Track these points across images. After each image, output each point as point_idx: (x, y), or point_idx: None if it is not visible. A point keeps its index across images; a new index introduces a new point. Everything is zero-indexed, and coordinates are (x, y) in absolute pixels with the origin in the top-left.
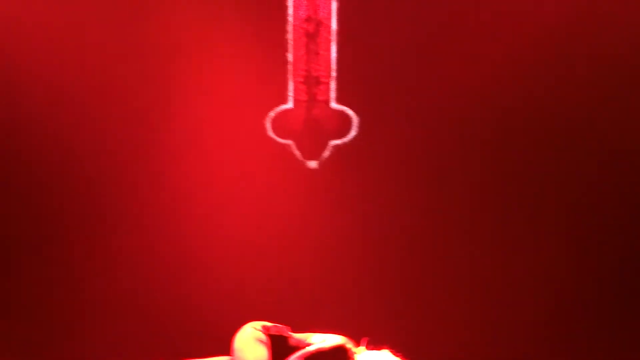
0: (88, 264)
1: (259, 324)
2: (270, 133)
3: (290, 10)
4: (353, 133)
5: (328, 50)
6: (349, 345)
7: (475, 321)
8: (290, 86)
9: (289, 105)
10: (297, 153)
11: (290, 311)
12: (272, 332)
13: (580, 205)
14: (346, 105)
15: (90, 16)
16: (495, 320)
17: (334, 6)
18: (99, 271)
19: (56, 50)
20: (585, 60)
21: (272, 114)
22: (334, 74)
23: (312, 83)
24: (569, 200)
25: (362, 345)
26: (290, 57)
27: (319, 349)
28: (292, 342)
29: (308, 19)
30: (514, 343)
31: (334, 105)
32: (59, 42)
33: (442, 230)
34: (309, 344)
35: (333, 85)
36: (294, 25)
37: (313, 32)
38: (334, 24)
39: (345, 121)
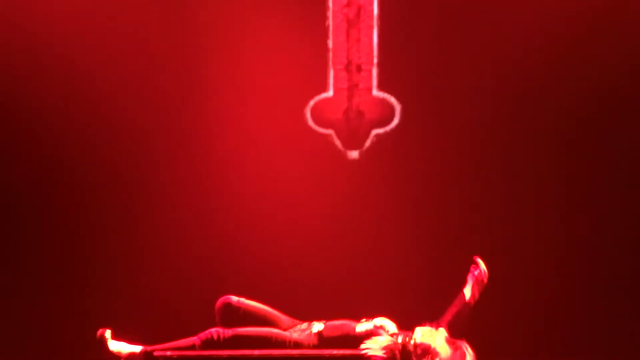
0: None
1: None
2: (311, 122)
3: None
4: (396, 121)
5: (370, 36)
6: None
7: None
8: (331, 74)
9: (329, 93)
10: (338, 143)
11: (333, 300)
12: None
13: None
14: (389, 93)
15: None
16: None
17: None
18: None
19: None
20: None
21: (312, 102)
22: (375, 60)
23: (353, 70)
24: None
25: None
26: (330, 44)
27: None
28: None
29: (349, 4)
30: None
31: (375, 93)
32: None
33: (485, 218)
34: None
35: (375, 72)
36: (333, 11)
37: (354, 17)
38: (375, 9)
39: (388, 109)
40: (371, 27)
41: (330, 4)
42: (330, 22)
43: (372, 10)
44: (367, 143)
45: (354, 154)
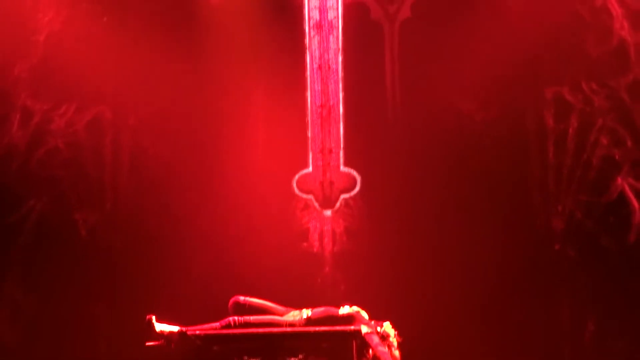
0: None
1: None
2: (296, 190)
3: (308, 100)
4: (357, 189)
5: (338, 128)
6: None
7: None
8: (310, 155)
9: (310, 169)
10: (316, 204)
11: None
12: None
13: None
14: (352, 169)
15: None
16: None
17: (341, 95)
18: None
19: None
20: None
21: (297, 176)
22: (342, 145)
23: (326, 153)
24: None
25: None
26: (309, 134)
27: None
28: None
29: (322, 105)
30: None
31: (342, 169)
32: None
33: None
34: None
35: (341, 154)
36: (311, 110)
37: (326, 115)
38: (341, 109)
39: (352, 180)
40: (338, 122)
41: (309, 104)
42: (309, 118)
43: (339, 110)
44: (337, 205)
45: (327, 213)
